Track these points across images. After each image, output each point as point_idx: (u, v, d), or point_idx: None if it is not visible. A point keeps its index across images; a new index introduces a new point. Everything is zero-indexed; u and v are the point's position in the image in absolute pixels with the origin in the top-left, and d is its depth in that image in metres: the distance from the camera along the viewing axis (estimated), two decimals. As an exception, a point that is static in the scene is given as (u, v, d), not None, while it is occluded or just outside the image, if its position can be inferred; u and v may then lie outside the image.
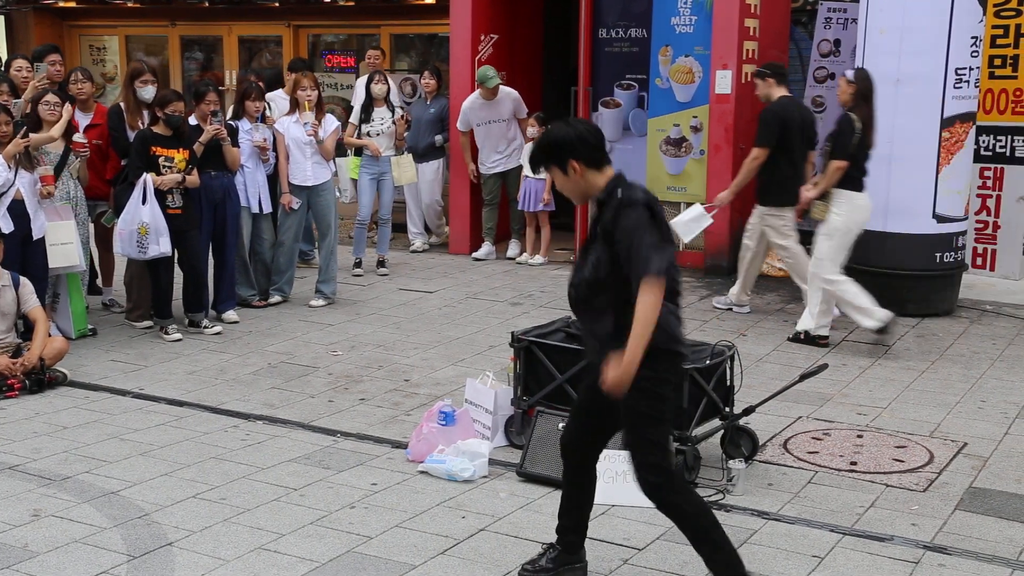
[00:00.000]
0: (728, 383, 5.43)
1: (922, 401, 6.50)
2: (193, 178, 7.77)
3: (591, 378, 3.99)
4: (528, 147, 10.27)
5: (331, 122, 9.02)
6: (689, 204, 9.08)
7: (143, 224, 7.45)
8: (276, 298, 8.92)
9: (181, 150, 7.70)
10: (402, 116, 10.25)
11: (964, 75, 8.26)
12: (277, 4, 13.14)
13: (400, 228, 11.29)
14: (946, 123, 8.27)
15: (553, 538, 4.26)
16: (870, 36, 8.40)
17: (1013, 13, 9.39)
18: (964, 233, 8.67)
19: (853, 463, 5.49)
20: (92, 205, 8.18)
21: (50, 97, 7.56)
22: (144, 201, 7.46)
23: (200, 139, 7.92)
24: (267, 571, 4.31)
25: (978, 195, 9.58)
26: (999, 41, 9.43)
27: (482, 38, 10.88)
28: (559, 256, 10.73)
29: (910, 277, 8.42)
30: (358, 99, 10.77)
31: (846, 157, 7.39)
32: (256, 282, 8.87)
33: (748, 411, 5.48)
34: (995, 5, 9.28)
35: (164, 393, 6.62)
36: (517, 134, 10.61)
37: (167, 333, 7.80)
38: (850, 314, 7.59)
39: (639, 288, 3.65)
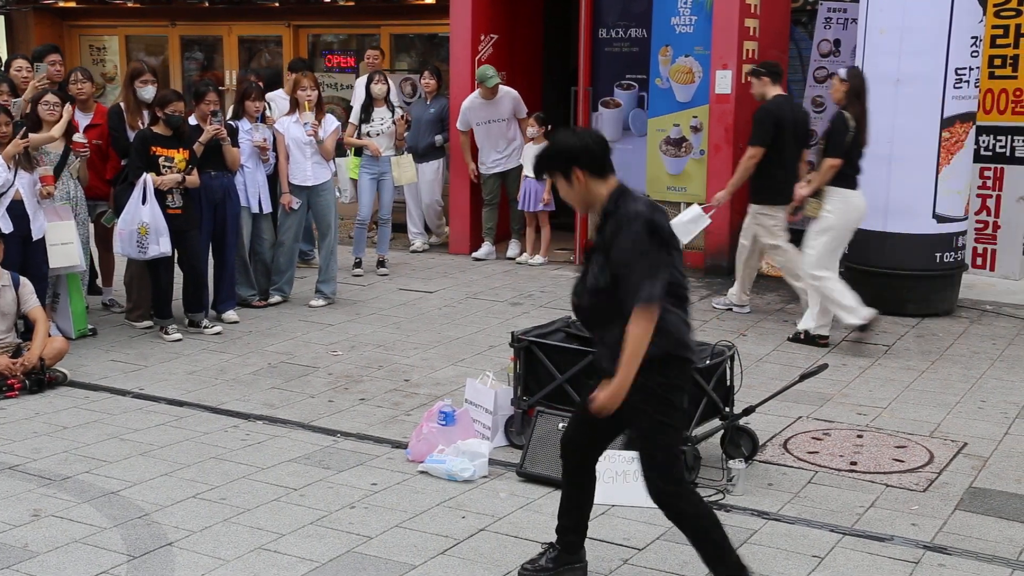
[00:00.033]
0: (728, 383, 5.43)
1: (922, 401, 6.50)
2: (193, 178, 7.77)
3: (597, 381, 3.98)
4: (528, 147, 10.28)
5: (331, 122, 9.02)
6: (689, 204, 9.09)
7: (143, 224, 7.45)
8: (276, 298, 8.92)
9: (181, 150, 7.70)
10: (402, 116, 10.25)
11: (964, 75, 8.26)
12: (277, 4, 13.14)
13: (400, 228, 11.29)
14: (946, 123, 8.28)
15: (553, 538, 4.26)
16: (870, 36, 8.41)
17: (1013, 13, 9.39)
18: (964, 233, 8.67)
19: (853, 463, 5.49)
20: (92, 205, 8.18)
21: (50, 97, 7.56)
22: (144, 201, 7.46)
23: (200, 139, 7.92)
24: (267, 571, 4.31)
25: (978, 195, 9.58)
26: (999, 41, 9.43)
27: (482, 38, 10.88)
28: (559, 256, 10.73)
29: (910, 277, 8.43)
30: (358, 99, 10.77)
31: (840, 155, 7.42)
32: (256, 282, 8.87)
33: (748, 411, 5.48)
34: (995, 5, 9.28)
35: (164, 393, 6.62)
36: (517, 134, 10.61)
37: (167, 333, 7.81)
38: (834, 311, 7.61)
39: (631, 315, 3.67)
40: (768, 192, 8.08)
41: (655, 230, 3.73)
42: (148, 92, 8.03)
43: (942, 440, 5.83)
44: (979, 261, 9.74)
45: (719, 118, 9.79)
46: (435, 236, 11.58)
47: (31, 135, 7.26)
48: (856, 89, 7.50)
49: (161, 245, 7.52)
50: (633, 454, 4.88)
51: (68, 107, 7.63)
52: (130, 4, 13.97)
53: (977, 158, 9.21)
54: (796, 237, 8.20)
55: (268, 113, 9.14)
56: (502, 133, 10.59)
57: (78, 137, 7.75)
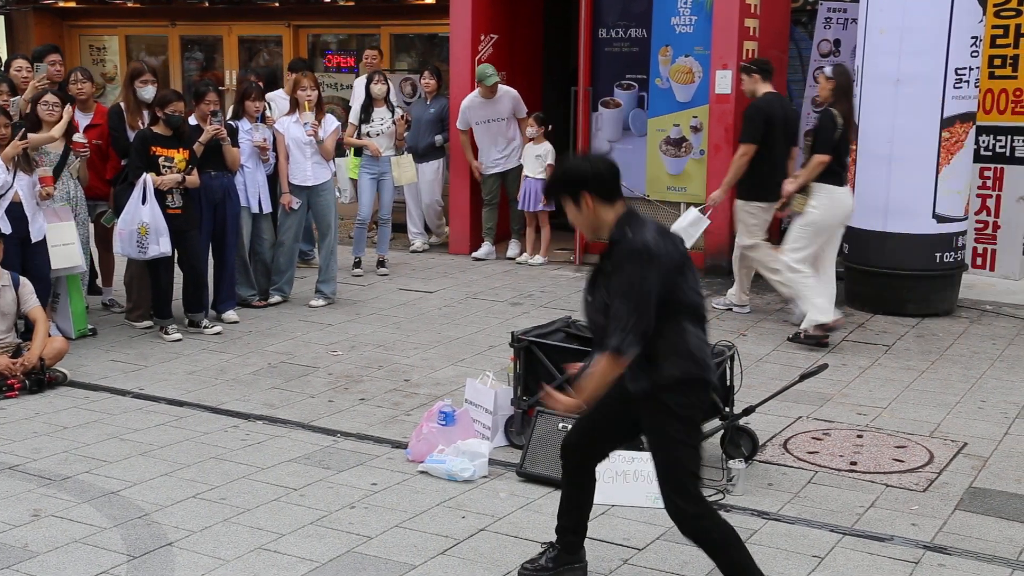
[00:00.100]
0: (728, 383, 5.43)
1: (922, 401, 6.50)
2: (193, 178, 7.77)
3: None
4: (528, 147, 10.28)
5: (331, 122, 9.02)
6: (689, 204, 9.09)
7: (143, 224, 7.45)
8: (276, 298, 8.92)
9: (181, 150, 7.70)
10: (402, 116, 10.25)
11: (964, 75, 8.26)
12: (277, 4, 13.14)
13: (400, 228, 11.29)
14: (946, 123, 8.28)
15: (553, 538, 4.26)
16: (870, 36, 8.41)
17: (1013, 13, 9.39)
18: (964, 233, 8.67)
19: (853, 463, 5.49)
20: (92, 205, 8.18)
21: (49, 97, 7.56)
22: (144, 201, 7.46)
23: (200, 139, 7.92)
24: (267, 571, 4.31)
25: (978, 195, 9.58)
26: (999, 41, 9.43)
27: (482, 38, 10.88)
28: (559, 256, 10.73)
29: (910, 277, 8.43)
30: (357, 99, 10.77)
31: (829, 151, 7.48)
32: (256, 282, 8.87)
33: (748, 411, 5.48)
34: (995, 5, 9.28)
35: (164, 393, 6.62)
36: (516, 134, 10.61)
37: (167, 333, 7.81)
38: (804, 307, 7.62)
39: (602, 352, 3.72)
40: (754, 188, 8.12)
41: (652, 259, 3.69)
42: (148, 92, 8.03)
43: (942, 440, 5.83)
44: (979, 261, 9.74)
45: (719, 118, 9.79)
46: (435, 236, 11.58)
47: (31, 135, 7.26)
48: (843, 86, 7.59)
49: (161, 245, 7.52)
50: (633, 454, 4.91)
51: (68, 107, 7.63)
52: (130, 4, 13.97)
53: (977, 158, 9.21)
54: (780, 238, 8.23)
55: (268, 113, 9.14)
56: (501, 132, 10.58)
57: (78, 137, 7.75)
